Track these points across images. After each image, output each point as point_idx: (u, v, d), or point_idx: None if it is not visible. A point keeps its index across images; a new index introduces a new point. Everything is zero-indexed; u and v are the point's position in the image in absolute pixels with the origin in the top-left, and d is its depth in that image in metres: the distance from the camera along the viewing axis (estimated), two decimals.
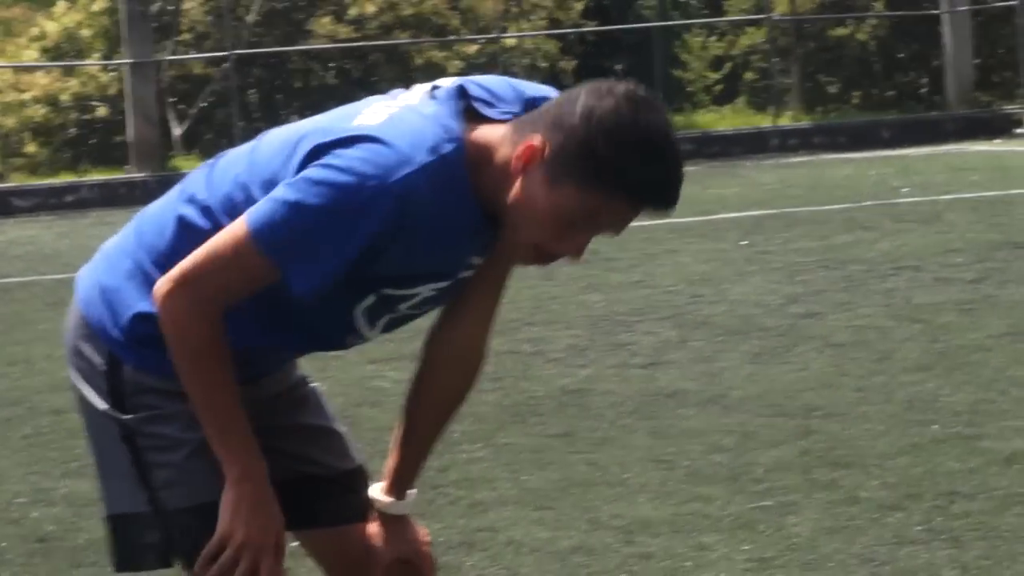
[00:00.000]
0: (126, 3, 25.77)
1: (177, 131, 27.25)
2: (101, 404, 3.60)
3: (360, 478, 3.93)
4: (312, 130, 3.40)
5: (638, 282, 13.92)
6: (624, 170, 3.18)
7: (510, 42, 30.64)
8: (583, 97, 3.23)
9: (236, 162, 3.55)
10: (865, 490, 7.35)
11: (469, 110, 3.36)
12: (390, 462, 3.83)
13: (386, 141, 3.23)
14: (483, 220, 3.36)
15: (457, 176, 3.27)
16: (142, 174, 25.45)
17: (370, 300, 3.51)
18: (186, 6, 29.80)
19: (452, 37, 31.13)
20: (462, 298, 3.75)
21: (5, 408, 10.10)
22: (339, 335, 3.70)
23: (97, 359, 3.60)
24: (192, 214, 3.46)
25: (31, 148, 29.64)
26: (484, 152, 3.31)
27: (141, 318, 3.48)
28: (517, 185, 3.24)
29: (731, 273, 14.06)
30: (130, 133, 26.10)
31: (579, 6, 30.37)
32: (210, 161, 3.69)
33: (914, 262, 13.96)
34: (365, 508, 3.84)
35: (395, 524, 3.84)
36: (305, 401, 3.93)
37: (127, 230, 3.67)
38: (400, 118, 3.36)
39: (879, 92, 30.17)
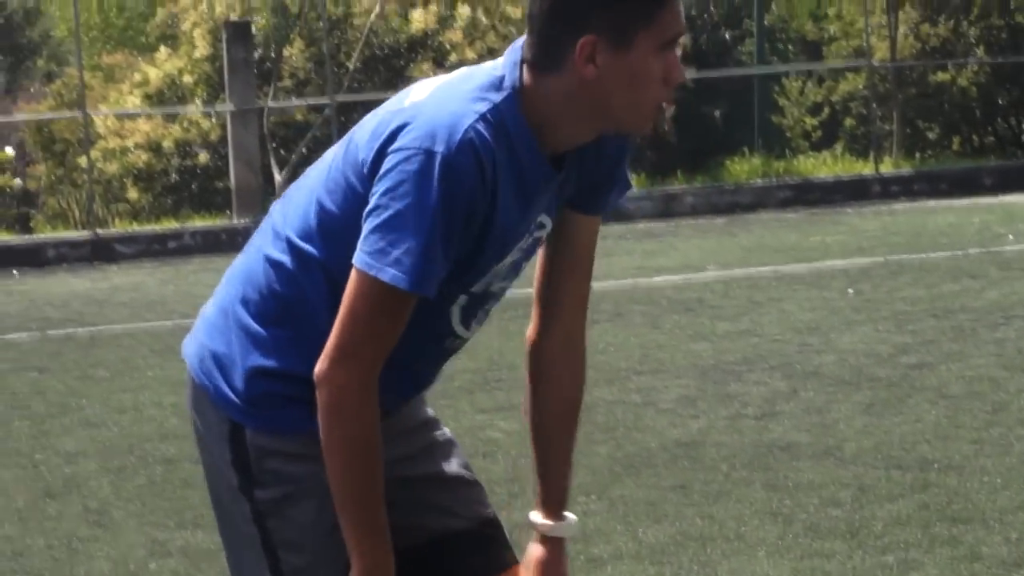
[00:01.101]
0: (228, 50, 25.94)
1: (278, 177, 27.26)
2: (231, 478, 3.57)
3: (499, 527, 3.83)
4: (371, 130, 3.36)
5: (745, 331, 13.85)
6: None
7: None
8: None
9: (304, 185, 3.54)
10: (987, 546, 7.31)
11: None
12: (539, 489, 3.80)
13: (432, 108, 3.27)
14: (546, 163, 3.35)
15: (514, 120, 3.29)
16: (244, 220, 25.47)
17: (463, 301, 3.50)
18: (287, 53, 29.90)
19: None
20: (553, 297, 3.77)
21: (117, 457, 10.10)
22: (438, 348, 3.66)
23: (218, 427, 3.58)
24: (276, 250, 3.44)
25: (133, 194, 29.79)
26: (532, 99, 3.31)
27: (253, 375, 3.46)
28: (597, 94, 3.23)
29: (838, 322, 14.00)
30: (232, 179, 26.21)
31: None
32: (283, 196, 3.69)
33: (1014, 309, 13.86)
34: (509, 558, 3.81)
35: (554, 550, 3.80)
36: (439, 447, 3.88)
37: (220, 290, 3.69)
38: (448, 82, 3.42)
39: (980, 138, 30.07)
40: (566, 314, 3.79)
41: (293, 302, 3.46)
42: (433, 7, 30.87)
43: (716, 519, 8.00)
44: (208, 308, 3.65)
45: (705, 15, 31.83)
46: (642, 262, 18.51)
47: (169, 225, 26.52)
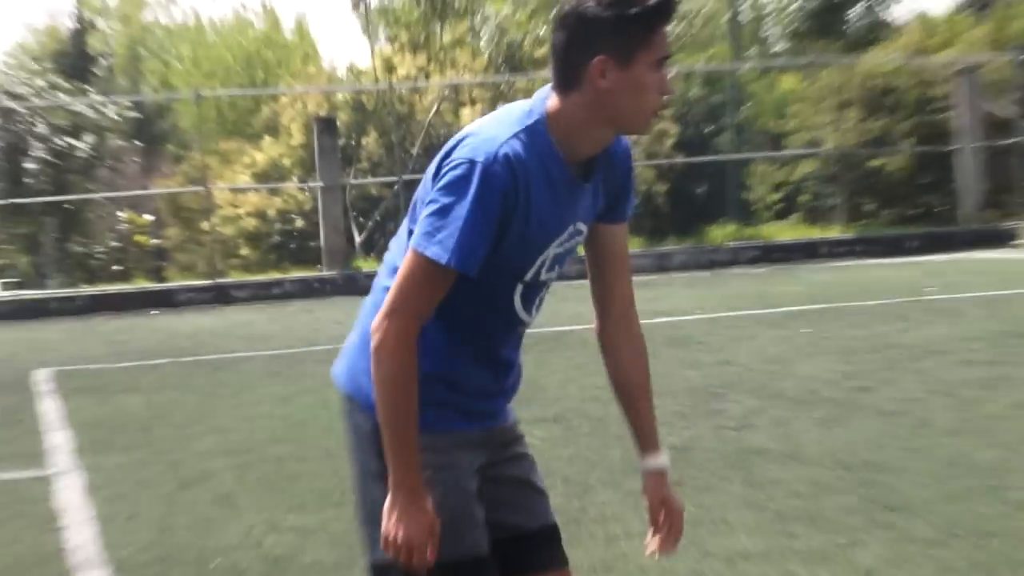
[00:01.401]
0: (318, 139, 25.99)
1: (358, 238, 27.49)
2: (375, 466, 3.62)
3: (559, 533, 3.90)
4: (435, 159, 3.52)
5: (724, 361, 13.89)
6: (639, 13, 3.34)
7: None
8: (575, 7, 3.40)
9: (400, 233, 3.69)
10: (916, 529, 7.30)
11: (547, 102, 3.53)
12: (637, 439, 3.98)
13: (482, 132, 3.46)
14: (571, 173, 3.51)
15: (545, 140, 3.45)
16: (331, 272, 25.63)
17: (520, 289, 3.62)
18: (365, 141, 30.01)
19: None
20: (607, 296, 3.90)
21: (240, 455, 10.15)
22: (509, 332, 3.76)
23: (365, 426, 3.65)
24: (391, 283, 3.54)
25: (244, 251, 29.99)
26: (558, 118, 3.47)
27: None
28: (607, 103, 3.42)
29: (797, 355, 14.03)
30: (322, 240, 26.29)
31: (670, 141, 30.41)
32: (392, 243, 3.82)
33: (941, 347, 13.86)
34: (563, 559, 3.87)
35: (662, 480, 3.90)
36: (524, 459, 3.90)
37: (358, 322, 3.77)
38: (493, 114, 3.60)
39: (907, 210, 29.98)
40: (618, 307, 3.91)
41: None
42: (479, 106, 30.93)
43: (705, 507, 8.01)
44: (352, 337, 3.79)
45: (689, 114, 31.83)
46: (643, 307, 18.10)
47: (273, 275, 26.63)
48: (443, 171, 3.44)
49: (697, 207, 30.42)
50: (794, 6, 39.65)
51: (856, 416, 10.59)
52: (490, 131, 3.47)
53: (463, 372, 3.69)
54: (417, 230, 3.43)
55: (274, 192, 30.27)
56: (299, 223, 29.49)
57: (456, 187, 3.38)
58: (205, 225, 29.01)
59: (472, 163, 3.37)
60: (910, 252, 27.04)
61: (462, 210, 3.35)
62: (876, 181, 30.36)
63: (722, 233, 29.25)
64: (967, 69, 29.78)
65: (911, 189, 30.37)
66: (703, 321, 17.18)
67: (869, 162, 30.30)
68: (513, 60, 33.29)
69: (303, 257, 28.24)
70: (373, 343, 3.47)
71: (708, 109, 32.29)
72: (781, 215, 31.42)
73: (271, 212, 30.19)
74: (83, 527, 8.33)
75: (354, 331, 3.79)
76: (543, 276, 3.66)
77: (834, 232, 29.09)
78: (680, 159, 29.97)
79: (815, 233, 29.14)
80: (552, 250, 3.59)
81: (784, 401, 11.37)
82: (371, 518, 3.67)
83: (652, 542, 3.92)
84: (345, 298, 24.16)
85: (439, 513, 3.52)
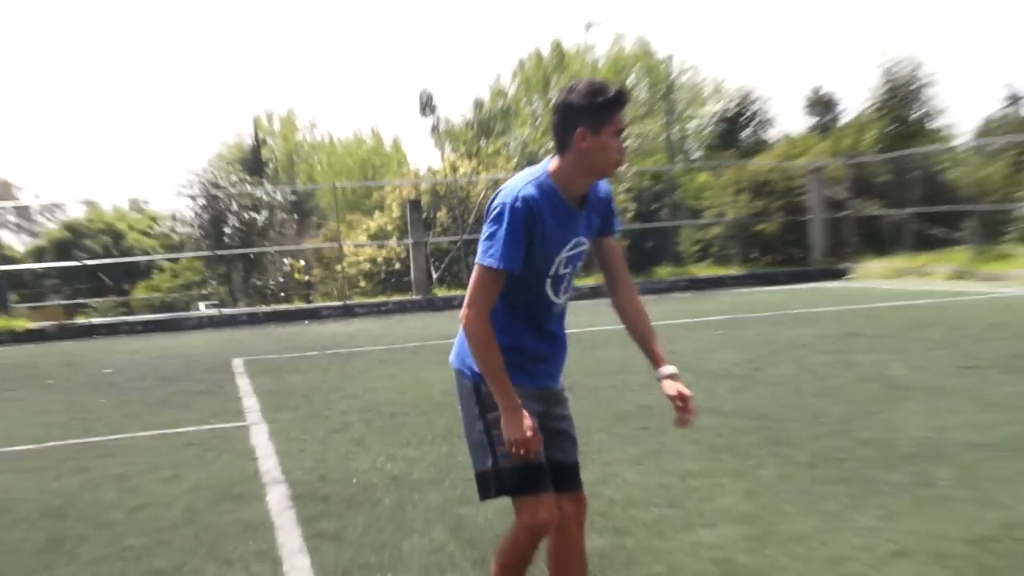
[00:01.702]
0: (409, 213, 26.20)
1: (435, 275, 27.41)
2: (475, 410, 3.85)
3: (578, 468, 4.12)
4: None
5: (669, 351, 13.67)
6: (604, 100, 3.65)
7: None
8: (563, 100, 3.71)
9: None
10: (797, 457, 7.23)
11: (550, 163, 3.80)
12: (652, 359, 4.23)
13: (510, 185, 3.74)
14: (569, 206, 3.77)
15: (549, 186, 3.73)
16: (418, 296, 25.60)
17: (546, 281, 3.81)
18: (438, 215, 30.03)
19: None
20: (615, 283, 4.19)
21: (366, 412, 10.10)
22: (551, 310, 3.92)
23: (468, 386, 3.90)
24: None
25: (363, 283, 29.91)
26: (557, 171, 3.75)
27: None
28: (585, 159, 3.69)
29: (716, 348, 13.90)
30: (412, 276, 26.28)
31: (630, 214, 30.37)
32: None
33: (805, 343, 13.71)
34: (579, 484, 4.09)
35: (675, 380, 4.16)
36: (567, 415, 4.13)
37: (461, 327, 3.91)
38: (516, 175, 3.83)
39: (778, 257, 29.84)
40: (624, 288, 4.19)
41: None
42: None
43: (663, 444, 7.92)
44: (457, 336, 3.97)
45: (641, 197, 31.78)
46: (610, 319, 17.97)
47: (381, 299, 26.58)
48: (489, 212, 3.72)
49: (648, 255, 30.32)
50: (707, 130, 39.81)
51: (755, 386, 10.47)
52: (513, 184, 3.74)
53: (526, 342, 3.87)
54: (478, 252, 3.71)
55: (381, 246, 30.21)
56: (397, 265, 29.48)
57: (497, 220, 3.68)
58: (338, 267, 29.17)
59: (503, 204, 3.67)
60: (781, 283, 26.88)
61: (502, 232, 3.65)
62: (759, 238, 30.24)
63: (663, 271, 29.12)
64: (815, 169, 29.68)
65: (781, 243, 30.18)
66: (656, 327, 17.05)
67: (754, 227, 30.20)
68: (533, 160, 33.36)
69: (400, 287, 28.23)
70: (463, 327, 3.78)
71: (653, 194, 32.20)
72: (700, 260, 31.27)
73: (379, 259, 30.24)
74: (269, 458, 8.33)
75: (459, 332, 3.93)
76: (562, 271, 3.84)
77: (733, 271, 28.86)
78: (637, 225, 29.86)
79: (722, 271, 28.90)
80: (564, 254, 3.80)
81: (709, 376, 11.24)
82: (474, 444, 3.91)
83: (677, 420, 4.11)
84: (426, 313, 24.20)
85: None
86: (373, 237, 30.94)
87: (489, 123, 38.59)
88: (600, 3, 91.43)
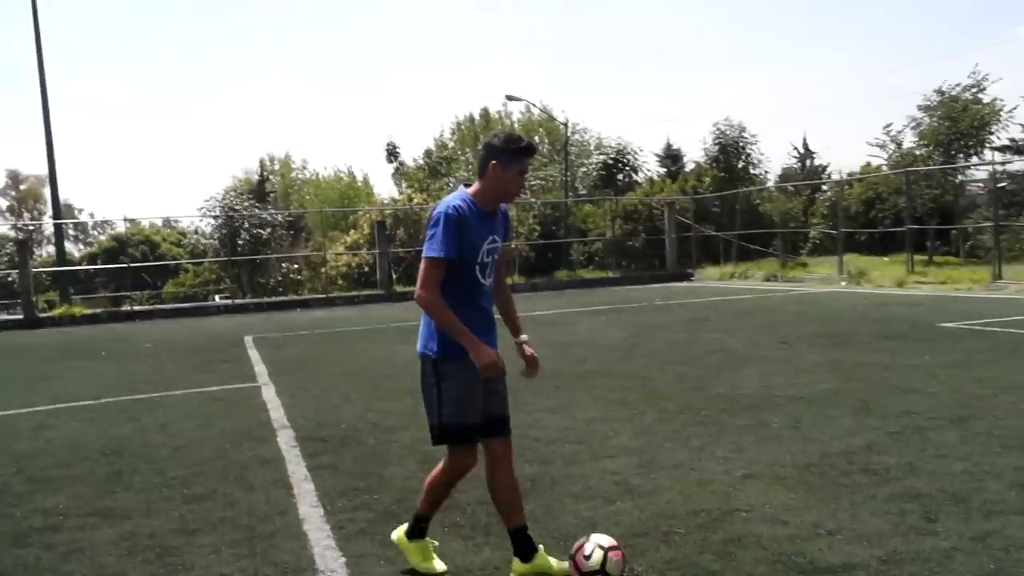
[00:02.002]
0: (377, 231, 25.93)
1: (395, 276, 26.97)
2: (431, 379, 3.83)
3: (508, 418, 3.99)
4: None
5: (568, 333, 13.60)
6: (515, 147, 3.73)
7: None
8: (489, 141, 3.77)
9: None
10: (669, 405, 7.19)
11: (469, 184, 3.83)
12: (512, 329, 4.09)
13: (444, 201, 3.73)
14: (484, 214, 3.76)
15: (470, 200, 3.74)
16: (383, 291, 25.22)
17: (475, 269, 3.75)
18: (398, 232, 29.52)
19: None
20: (497, 279, 4.01)
21: (351, 376, 9.86)
22: (479, 290, 3.82)
23: (427, 363, 3.84)
24: None
25: (340, 282, 29.53)
26: (476, 191, 3.77)
27: (429, 336, 3.81)
28: (495, 184, 3.75)
29: (604, 328, 13.87)
30: (378, 275, 25.89)
31: (536, 233, 30.45)
32: None
33: (667, 325, 13.71)
34: (507, 431, 3.97)
35: (527, 348, 4.05)
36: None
37: (422, 316, 3.85)
38: (450, 195, 3.79)
39: (644, 265, 29.97)
40: (499, 280, 4.06)
41: None
42: None
43: (570, 398, 7.83)
44: (422, 320, 3.84)
45: (544, 223, 31.72)
46: (527, 308, 18.05)
47: (354, 293, 26.19)
48: (430, 220, 3.72)
49: (549, 263, 30.32)
50: (593, 172, 39.84)
51: (635, 356, 10.42)
52: (446, 200, 3.74)
53: (469, 317, 3.72)
54: (424, 248, 3.69)
55: (355, 255, 29.79)
56: (366, 269, 29.14)
57: (435, 224, 3.68)
58: (322, 270, 28.72)
59: (440, 213, 3.68)
60: (645, 283, 26.97)
61: (440, 232, 3.66)
62: (629, 251, 30.39)
63: (560, 274, 29.06)
64: (669, 202, 29.91)
65: (645, 255, 30.41)
66: (557, 315, 17.01)
67: (625, 244, 30.31)
68: None
69: (369, 284, 27.82)
70: (418, 302, 3.71)
71: (553, 219, 32.19)
72: (586, 266, 31.28)
73: (353, 264, 29.85)
74: (277, 410, 8.08)
75: (421, 323, 3.88)
76: (485, 260, 3.78)
77: (611, 274, 28.93)
78: (541, 241, 29.81)
79: (602, 275, 28.93)
80: (485, 247, 3.77)
81: (602, 348, 11.19)
82: (429, 404, 3.85)
83: (527, 372, 4.06)
84: (389, 303, 23.79)
85: (463, 396, 3.75)
86: (349, 248, 30.61)
87: (436, 167, 38.21)
88: (518, 80, 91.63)
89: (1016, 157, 30.65)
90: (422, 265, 3.67)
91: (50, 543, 4.66)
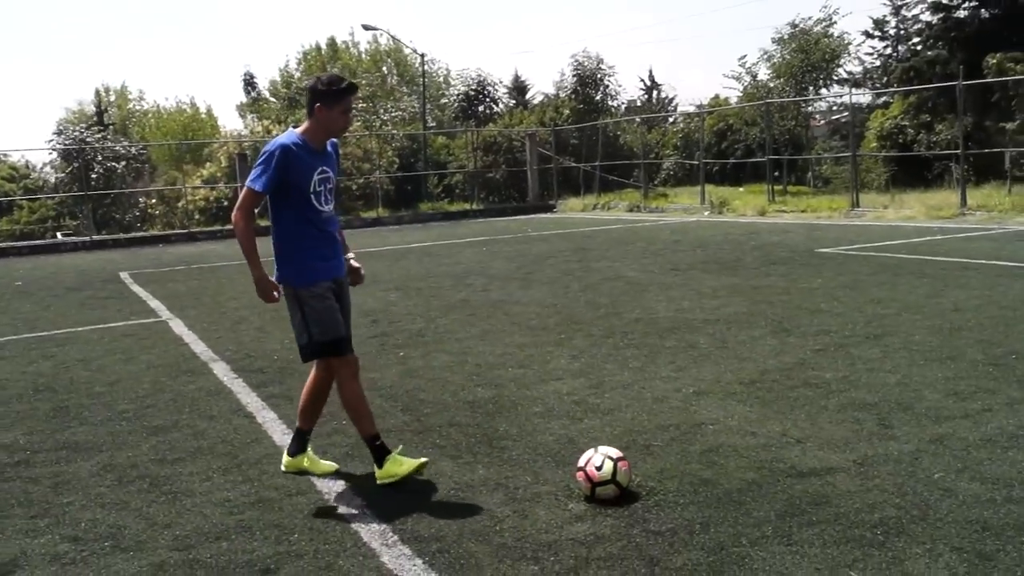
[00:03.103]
0: (239, 162, 24.92)
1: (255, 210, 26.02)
2: (295, 304, 4.14)
3: (350, 339, 4.27)
4: None
5: (457, 262, 13.69)
6: (337, 88, 4.02)
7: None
8: (312, 85, 4.05)
9: None
10: (593, 331, 7.39)
11: (298, 125, 4.14)
12: (344, 255, 4.30)
13: (276, 139, 4.05)
14: (314, 150, 4.04)
15: (300, 138, 4.03)
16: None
17: (311, 197, 4.03)
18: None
19: None
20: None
21: (255, 309, 9.61)
22: (320, 216, 4.08)
23: (289, 291, 4.15)
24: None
25: (197, 217, 28.14)
26: (306, 130, 4.06)
27: (284, 265, 4.11)
28: (323, 123, 4.04)
29: (490, 260, 13.93)
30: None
31: (395, 165, 30.03)
32: None
33: (552, 255, 13.90)
34: (352, 348, 4.24)
35: (352, 261, 4.34)
36: (348, 295, 4.34)
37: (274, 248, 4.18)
38: (282, 134, 4.10)
39: (506, 197, 30.16)
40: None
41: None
42: None
43: (494, 325, 7.90)
44: (274, 250, 4.15)
45: (403, 154, 31.38)
46: (400, 241, 18.04)
47: (217, 227, 25.22)
48: (260, 155, 4.00)
49: (409, 195, 30.10)
50: (455, 104, 39.48)
51: (534, 285, 10.49)
52: (277, 138, 4.05)
53: (315, 244, 4.09)
54: (248, 178, 3.98)
55: (213, 188, 28.59)
56: (225, 203, 27.99)
57: (262, 160, 3.97)
58: (179, 204, 27.61)
59: (268, 150, 3.98)
60: (509, 215, 27.22)
61: (262, 168, 3.96)
62: (490, 183, 30.49)
63: (424, 206, 29.00)
64: (530, 134, 30.12)
65: (506, 187, 30.59)
66: (435, 246, 17.03)
67: (487, 175, 30.39)
68: None
69: (226, 219, 26.82)
70: (233, 225, 4.02)
71: (411, 151, 31.89)
72: (444, 199, 31.21)
73: (211, 198, 28.63)
74: (197, 344, 7.89)
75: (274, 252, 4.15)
76: (318, 188, 4.04)
77: (474, 206, 29.05)
78: (400, 173, 29.54)
79: (466, 207, 28.98)
80: (316, 177, 4.03)
81: (498, 279, 11.23)
82: (297, 327, 4.17)
83: (351, 280, 4.34)
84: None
85: (324, 316, 4.07)
86: (207, 182, 29.34)
87: (296, 97, 36.89)
88: (370, 9, 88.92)
89: (855, 90, 32.54)
90: (242, 193, 4.00)
91: (32, 477, 4.48)
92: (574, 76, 34.05)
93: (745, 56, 44.98)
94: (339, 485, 4.19)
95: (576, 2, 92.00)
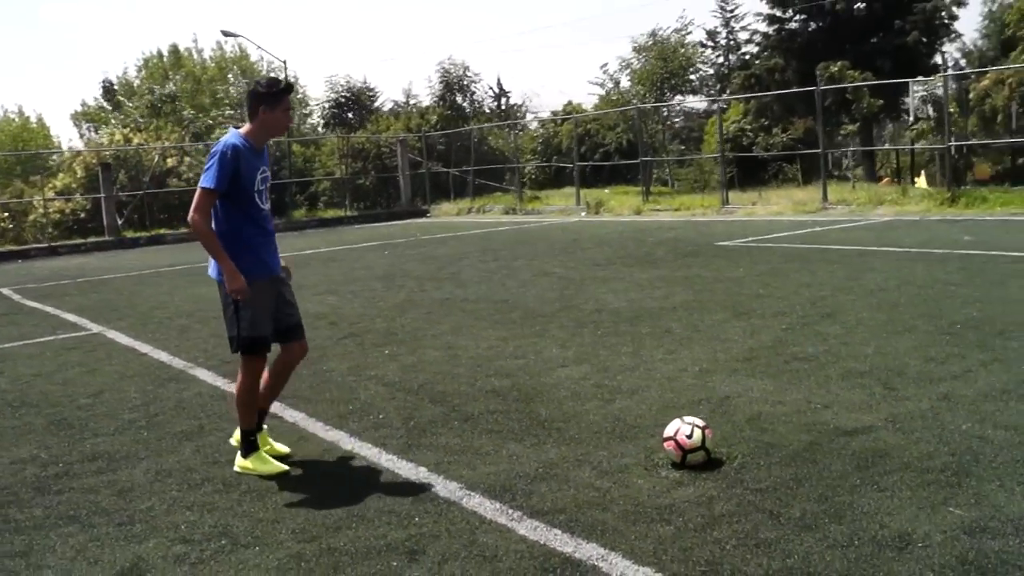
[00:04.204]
0: (102, 172, 23.66)
1: (120, 221, 24.74)
2: (228, 299, 4.31)
3: (301, 327, 4.57)
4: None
5: (364, 266, 13.45)
6: (277, 90, 4.28)
7: None
8: (253, 90, 4.29)
9: None
10: (563, 323, 7.56)
11: (239, 126, 4.32)
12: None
13: (223, 140, 4.21)
14: (256, 151, 4.26)
15: (244, 139, 4.23)
16: (111, 238, 23.15)
17: (254, 196, 4.24)
18: (121, 173, 27.06)
19: None
20: None
21: (189, 317, 9.32)
22: (261, 213, 4.30)
23: (222, 289, 4.31)
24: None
25: (51, 230, 26.45)
26: (249, 131, 4.27)
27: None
28: (267, 125, 4.27)
29: (397, 261, 13.86)
30: (106, 222, 23.72)
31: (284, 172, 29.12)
32: None
33: (463, 255, 13.96)
34: (303, 335, 4.56)
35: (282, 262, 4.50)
36: (289, 290, 4.57)
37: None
38: (229, 133, 4.26)
39: (377, 202, 29.96)
40: None
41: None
42: (182, 159, 28.54)
43: (461, 322, 7.95)
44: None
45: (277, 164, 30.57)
46: (289, 247, 17.60)
47: (79, 240, 23.88)
48: (211, 155, 4.15)
49: (274, 204, 29.38)
50: (326, 110, 38.77)
51: (468, 284, 10.51)
52: (225, 139, 4.21)
53: (257, 242, 4.29)
54: (201, 179, 4.12)
55: (68, 200, 26.95)
56: (82, 215, 26.51)
57: (212, 158, 4.13)
58: (30, 217, 26.07)
59: (218, 149, 4.15)
60: (383, 220, 27.18)
61: (215, 167, 4.10)
62: (358, 190, 30.24)
63: (298, 213, 28.49)
64: (401, 140, 30.11)
65: (375, 193, 30.43)
66: (331, 252, 16.75)
67: (356, 182, 30.12)
68: (199, 139, 31.00)
69: (84, 232, 25.46)
70: (192, 226, 4.14)
71: (275, 159, 31.05)
72: (309, 207, 30.67)
73: (68, 210, 26.90)
74: (158, 353, 7.64)
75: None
76: (260, 187, 4.27)
77: (349, 213, 28.69)
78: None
79: (341, 214, 28.57)
80: (259, 176, 4.26)
81: (424, 280, 11.21)
82: (228, 321, 4.37)
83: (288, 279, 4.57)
84: (120, 251, 22.22)
85: (253, 314, 4.25)
86: (60, 193, 27.63)
87: (158, 105, 35.24)
88: (226, 13, 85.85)
89: (692, 97, 34.20)
90: (197, 193, 4.13)
91: (86, 487, 4.30)
92: (441, 82, 34.28)
93: (606, 64, 46.47)
94: (421, 473, 4.22)
95: (440, 10, 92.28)
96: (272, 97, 4.24)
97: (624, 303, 8.43)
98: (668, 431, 4.10)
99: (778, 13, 33.05)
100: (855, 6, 31.99)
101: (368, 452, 4.57)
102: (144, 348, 7.82)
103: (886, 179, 28.89)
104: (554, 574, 3.11)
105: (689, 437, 4.01)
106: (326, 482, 4.23)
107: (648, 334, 6.94)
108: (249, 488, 4.18)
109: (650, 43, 27.37)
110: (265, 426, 4.60)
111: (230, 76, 47.89)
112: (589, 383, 5.60)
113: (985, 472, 3.77)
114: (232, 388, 5.92)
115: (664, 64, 26.82)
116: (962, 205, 16.20)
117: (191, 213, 4.13)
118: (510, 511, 3.68)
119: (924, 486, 3.66)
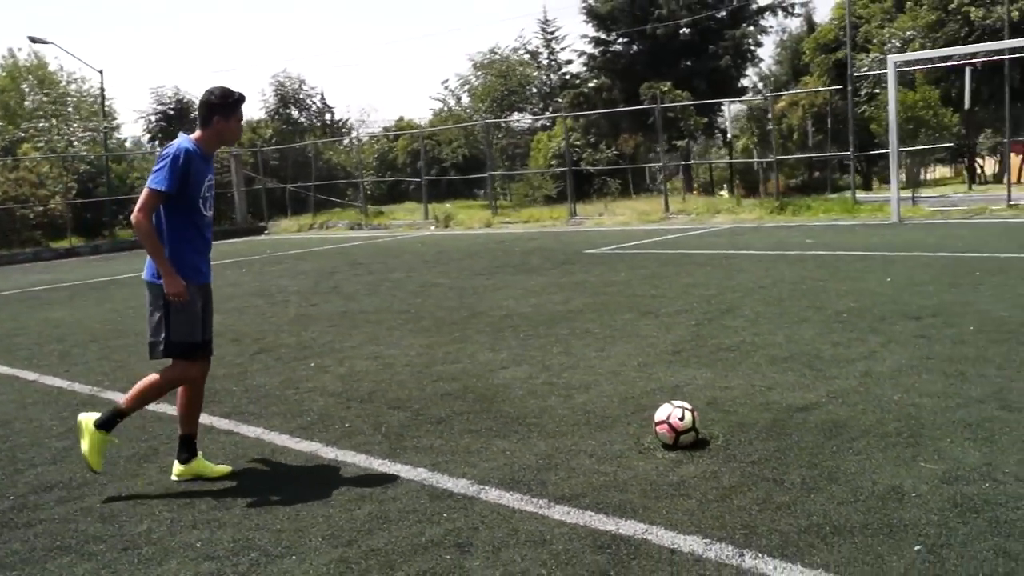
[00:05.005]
0: None
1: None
2: (158, 302, 4.30)
3: (211, 343, 4.56)
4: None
5: (231, 283, 12.84)
6: (231, 100, 4.32)
7: None
8: (203, 98, 4.32)
9: None
10: (482, 327, 7.67)
11: (189, 132, 4.33)
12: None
13: (175, 143, 4.24)
14: (205, 158, 4.28)
15: (195, 144, 4.24)
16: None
17: (199, 202, 4.24)
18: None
19: None
20: None
21: (123, 340, 8.80)
22: (204, 220, 4.31)
23: (155, 288, 4.30)
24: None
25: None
26: (200, 138, 4.29)
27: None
28: (220, 133, 4.30)
29: (270, 279, 13.39)
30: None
31: (74, 191, 27.49)
32: None
33: (335, 270, 13.66)
34: (211, 352, 4.56)
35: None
36: (211, 300, 4.55)
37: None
38: (180, 138, 4.27)
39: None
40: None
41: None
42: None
43: (391, 329, 7.90)
44: (147, 258, 4.30)
45: (79, 181, 28.85)
46: (127, 268, 16.61)
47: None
48: (161, 158, 4.17)
49: (92, 224, 27.53)
50: (153, 125, 36.77)
51: (358, 297, 10.37)
52: (177, 142, 4.23)
53: (196, 248, 4.31)
54: (149, 179, 4.13)
55: None
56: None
57: (164, 160, 4.15)
58: None
59: (170, 152, 4.17)
60: (220, 238, 25.45)
61: (165, 168, 4.13)
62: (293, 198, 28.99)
63: (124, 233, 26.81)
64: (235, 155, 29.18)
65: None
66: (290, 255, 15.99)
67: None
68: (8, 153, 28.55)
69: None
70: (135, 226, 4.14)
71: (89, 176, 29.27)
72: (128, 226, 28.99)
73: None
74: (46, 378, 7.11)
75: (147, 257, 4.29)
76: (206, 194, 4.29)
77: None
78: (80, 200, 26.98)
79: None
80: (206, 183, 4.27)
81: (308, 295, 10.90)
82: (154, 324, 4.35)
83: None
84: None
85: (187, 318, 4.27)
86: None
87: None
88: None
89: (519, 114, 35.17)
90: (145, 193, 4.16)
91: (56, 517, 4.04)
92: (276, 96, 33.49)
93: (447, 80, 46.82)
94: (422, 474, 4.26)
95: (278, 24, 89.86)
96: (227, 108, 4.30)
97: (529, 308, 8.65)
98: (660, 415, 4.37)
99: (603, 36, 34.55)
100: (680, 31, 33.91)
101: (355, 459, 4.52)
102: (29, 375, 7.27)
103: (696, 191, 30.93)
104: (608, 551, 3.26)
105: (681, 419, 4.30)
106: (325, 490, 4.13)
107: (570, 335, 7.19)
108: (250, 503, 4.06)
109: (487, 61, 27.93)
110: (200, 452, 4.52)
111: (24, 87, 45.06)
112: (538, 382, 5.75)
113: (934, 433, 4.27)
114: (170, 409, 5.73)
115: (504, 81, 27.44)
116: (790, 212, 17.57)
117: (135, 212, 4.12)
118: (534, 500, 3.78)
119: (890, 447, 4.11)
